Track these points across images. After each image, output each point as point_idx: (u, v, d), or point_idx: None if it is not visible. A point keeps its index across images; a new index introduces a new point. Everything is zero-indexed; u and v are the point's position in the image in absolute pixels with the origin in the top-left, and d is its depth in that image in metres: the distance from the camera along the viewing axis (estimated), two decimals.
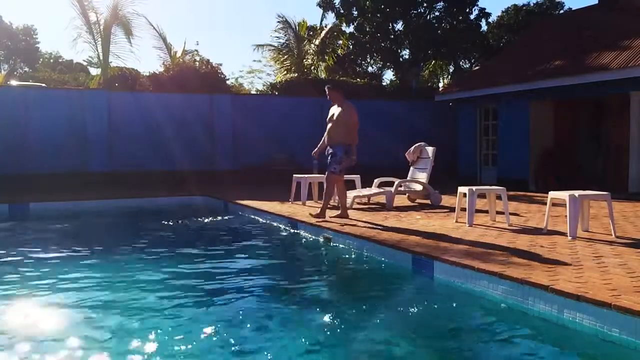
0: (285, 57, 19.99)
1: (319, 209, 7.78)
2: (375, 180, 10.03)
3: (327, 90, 7.84)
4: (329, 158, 7.70)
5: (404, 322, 4.00)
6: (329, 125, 7.74)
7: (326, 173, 7.72)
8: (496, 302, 4.24)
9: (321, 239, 7.02)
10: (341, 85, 7.70)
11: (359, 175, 10.31)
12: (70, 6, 15.78)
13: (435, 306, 4.27)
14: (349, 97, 8.03)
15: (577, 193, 6.04)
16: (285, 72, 19.81)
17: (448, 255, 5.07)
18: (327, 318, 4.04)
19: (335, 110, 7.76)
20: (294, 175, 10.35)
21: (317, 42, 19.79)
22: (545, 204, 6.54)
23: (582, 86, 11.87)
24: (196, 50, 20.08)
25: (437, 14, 23.20)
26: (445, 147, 13.64)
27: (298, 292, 5.01)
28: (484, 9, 23.42)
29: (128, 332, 3.72)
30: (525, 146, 13.55)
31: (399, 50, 23.94)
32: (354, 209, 8.98)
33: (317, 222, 7.41)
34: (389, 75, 41.71)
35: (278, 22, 19.62)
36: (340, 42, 21.82)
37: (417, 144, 10.18)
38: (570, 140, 13.91)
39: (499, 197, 7.31)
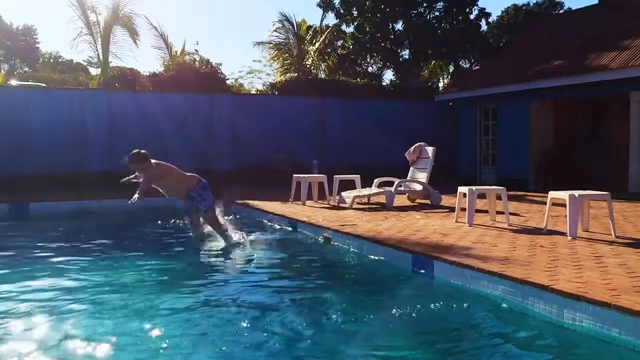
0: (285, 56, 19.97)
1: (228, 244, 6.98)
2: (375, 180, 10.02)
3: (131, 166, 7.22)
4: (194, 204, 7.19)
5: (403, 321, 4.00)
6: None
7: (205, 215, 7.15)
8: (496, 302, 4.24)
9: (321, 239, 7.02)
10: (138, 155, 7.34)
11: (359, 175, 10.32)
12: (70, 6, 15.82)
13: (435, 306, 4.26)
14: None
15: (577, 193, 6.04)
16: (285, 71, 19.80)
17: (448, 255, 5.07)
18: (326, 318, 4.04)
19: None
20: (294, 175, 10.35)
21: (317, 44, 19.77)
22: (545, 204, 6.54)
23: (582, 86, 11.88)
24: (196, 50, 20.05)
25: (437, 14, 23.23)
26: (445, 147, 13.64)
27: (297, 291, 5.00)
28: (484, 9, 23.48)
29: (127, 332, 3.72)
30: (525, 146, 13.55)
31: (399, 50, 23.94)
32: (354, 208, 8.99)
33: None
34: (389, 75, 41.75)
35: (279, 20, 19.61)
36: (341, 42, 21.80)
37: (417, 144, 10.18)
38: (570, 140, 13.91)
39: (499, 197, 7.31)
